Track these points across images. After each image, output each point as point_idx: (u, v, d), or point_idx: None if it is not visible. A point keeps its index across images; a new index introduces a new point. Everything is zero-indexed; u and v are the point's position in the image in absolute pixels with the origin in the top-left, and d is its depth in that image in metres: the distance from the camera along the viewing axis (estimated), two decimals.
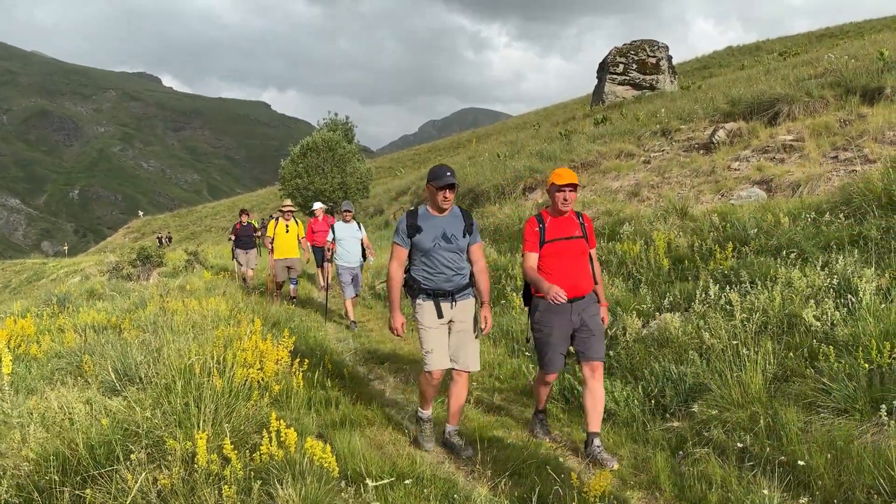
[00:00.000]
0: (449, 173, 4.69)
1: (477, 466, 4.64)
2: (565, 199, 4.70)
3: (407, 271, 4.99)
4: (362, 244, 10.79)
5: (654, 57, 28.86)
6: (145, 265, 17.53)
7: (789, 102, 13.05)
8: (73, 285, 17.55)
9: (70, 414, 4.97)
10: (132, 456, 4.22)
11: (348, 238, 10.68)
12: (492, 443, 5.08)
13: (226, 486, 3.88)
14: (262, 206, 55.23)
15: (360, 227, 10.93)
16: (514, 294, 9.07)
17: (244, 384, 5.60)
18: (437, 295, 4.84)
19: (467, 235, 4.89)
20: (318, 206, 14.26)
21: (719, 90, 19.27)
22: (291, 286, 12.39)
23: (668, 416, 5.05)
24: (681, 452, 4.48)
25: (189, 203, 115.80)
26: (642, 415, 5.10)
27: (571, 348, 4.94)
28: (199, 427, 4.69)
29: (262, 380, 5.81)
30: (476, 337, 4.97)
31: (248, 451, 4.53)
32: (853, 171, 9.03)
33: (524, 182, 17.31)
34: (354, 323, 10.49)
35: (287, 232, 11.93)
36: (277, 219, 12.17)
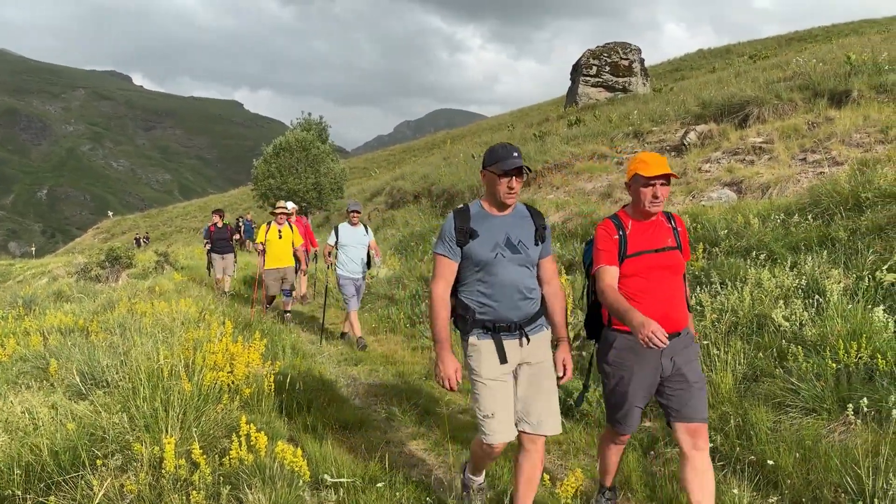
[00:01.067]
0: (515, 154, 3.38)
1: (451, 468, 4.62)
2: (655, 197, 3.41)
3: (453, 294, 3.60)
4: (368, 249, 9.37)
5: (626, 59, 29.10)
6: (114, 266, 17.24)
7: (759, 105, 13.23)
8: (39, 287, 17.22)
9: (34, 419, 4.87)
10: (98, 461, 4.14)
11: (354, 244, 9.18)
12: (465, 444, 5.06)
13: (194, 492, 3.82)
14: (234, 207, 54.67)
15: (367, 231, 9.40)
16: None
17: (214, 387, 5.53)
18: (500, 329, 3.45)
19: (539, 243, 3.56)
20: (290, 205, 12.47)
21: (691, 92, 19.50)
22: (284, 298, 11.04)
23: None
24: (652, 452, 4.50)
25: (160, 203, 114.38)
26: None
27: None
28: (166, 431, 4.61)
29: (233, 383, 5.73)
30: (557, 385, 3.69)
31: (217, 455, 4.47)
32: (821, 172, 9.17)
33: None
34: (362, 339, 9.02)
35: (280, 238, 10.57)
36: (269, 223, 10.78)
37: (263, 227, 10.82)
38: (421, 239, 15.33)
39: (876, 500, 3.30)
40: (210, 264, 14.15)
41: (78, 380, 5.47)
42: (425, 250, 13.89)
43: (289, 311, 10.97)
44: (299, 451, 4.09)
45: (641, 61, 29.69)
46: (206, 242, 13.96)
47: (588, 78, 29.16)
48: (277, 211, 10.90)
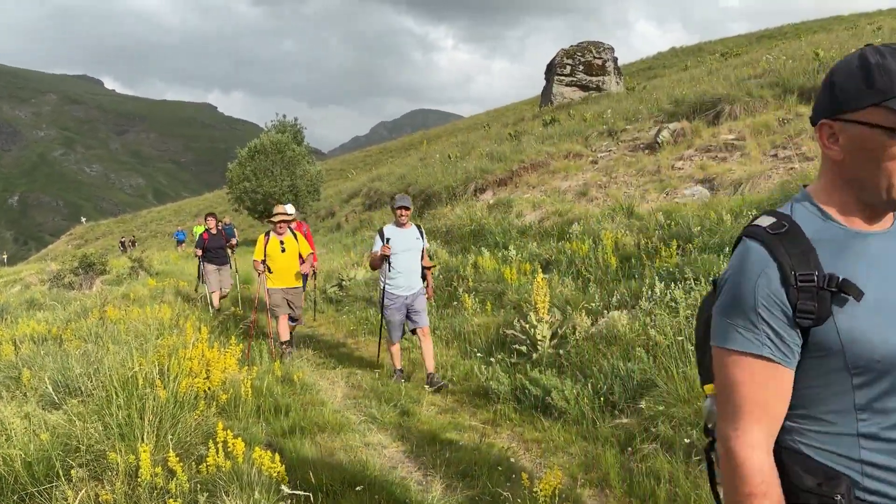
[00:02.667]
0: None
1: (430, 469, 4.63)
2: None
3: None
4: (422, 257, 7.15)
5: (600, 58, 29.30)
6: (87, 273, 17.02)
7: (731, 102, 13.39)
8: (12, 295, 16.93)
9: (7, 429, 4.78)
10: (73, 472, 4.08)
11: (405, 250, 6.95)
12: (444, 445, 5.07)
13: (171, 500, 3.78)
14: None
15: (421, 234, 7.15)
16: (466, 295, 9.08)
17: (190, 394, 5.48)
18: None
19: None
20: (290, 209, 9.42)
21: (663, 91, 19.68)
22: (293, 322, 8.88)
23: (617, 412, 5.11)
24: (629, 449, 4.53)
25: (134, 208, 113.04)
26: (592, 412, 5.16)
27: None
28: (142, 439, 4.56)
29: (209, 389, 5.69)
30: None
31: (194, 462, 4.43)
32: (792, 168, 9.30)
33: (475, 183, 17.36)
34: (433, 375, 6.75)
35: (284, 251, 8.35)
36: (268, 234, 8.50)
37: (261, 239, 8.49)
38: None
39: None
40: (202, 277, 12.18)
41: (51, 389, 5.39)
42: None
43: (289, 345, 8.48)
44: (277, 457, 4.06)
45: (615, 60, 29.90)
46: (198, 252, 12.07)
47: (562, 77, 29.30)
48: (276, 218, 8.49)
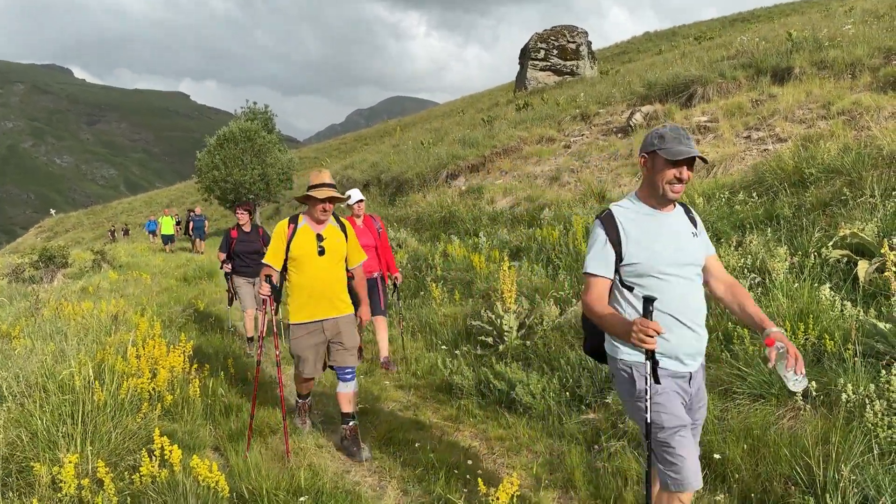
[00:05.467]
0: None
1: (385, 473, 4.34)
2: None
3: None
4: None
5: (573, 42, 29.02)
6: (48, 266, 16.45)
7: (704, 84, 13.17)
8: None
9: None
10: None
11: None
12: (402, 445, 4.77)
13: None
14: (181, 201, 53.21)
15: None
16: (434, 285, 8.78)
17: (133, 396, 5.13)
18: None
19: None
20: (356, 194, 6.82)
21: (637, 74, 19.44)
22: (342, 390, 4.86)
23: (584, 407, 4.85)
24: (596, 446, 4.27)
25: (107, 199, 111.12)
26: (558, 407, 4.89)
27: None
28: (73, 447, 4.22)
29: (154, 389, 5.34)
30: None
31: (130, 471, 4.10)
32: (765, 150, 9.09)
33: (447, 169, 17.04)
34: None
35: (322, 253, 4.75)
36: (296, 220, 4.86)
37: (282, 229, 4.81)
38: None
39: (827, 493, 3.11)
40: (233, 293, 8.60)
41: None
42: None
43: (352, 427, 4.83)
44: (215, 466, 3.74)
45: (589, 44, 29.63)
46: (223, 260, 8.44)
47: (536, 62, 28.99)
48: (321, 193, 4.66)
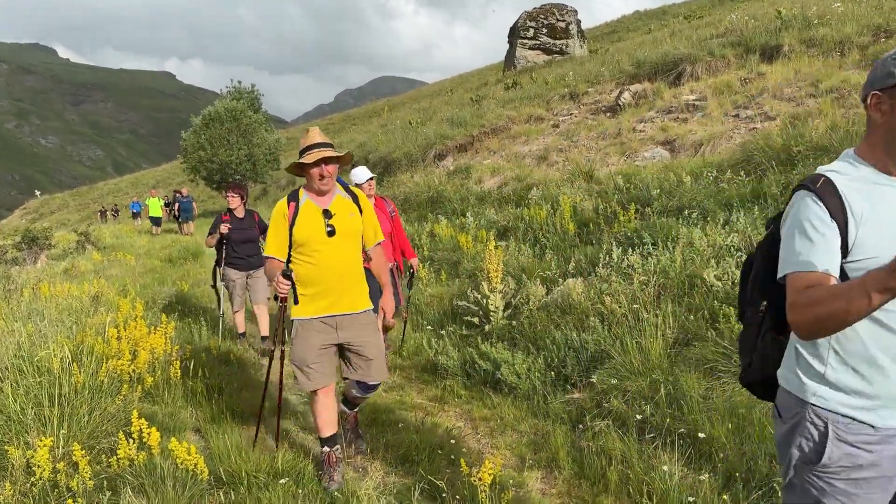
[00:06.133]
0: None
1: (368, 454, 4.29)
2: None
3: None
4: None
5: (563, 21, 28.77)
6: (31, 248, 16.27)
7: (692, 62, 13.08)
8: None
9: None
10: None
11: None
12: (387, 426, 4.73)
13: (70, 500, 3.38)
14: (167, 182, 52.75)
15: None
16: (422, 265, 8.71)
17: (113, 377, 5.05)
18: None
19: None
20: (362, 173, 6.01)
21: (626, 53, 19.31)
22: (345, 410, 4.45)
23: (569, 387, 4.81)
24: (581, 426, 4.24)
25: (93, 180, 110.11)
26: (543, 387, 4.85)
27: None
28: (49, 430, 4.14)
29: (134, 371, 5.26)
30: None
31: (107, 455, 4.03)
32: (754, 128, 9.03)
33: (435, 149, 16.91)
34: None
35: (332, 234, 3.79)
36: (296, 196, 3.88)
37: (281, 209, 3.87)
38: None
39: None
40: (221, 282, 7.45)
41: None
42: None
43: (356, 415, 4.51)
44: (193, 448, 3.68)
45: (578, 23, 29.40)
46: (213, 243, 7.30)
47: (525, 41, 28.74)
48: (310, 157, 3.76)
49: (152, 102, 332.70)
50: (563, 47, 28.42)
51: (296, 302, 3.87)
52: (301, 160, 3.79)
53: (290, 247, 3.82)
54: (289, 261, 3.87)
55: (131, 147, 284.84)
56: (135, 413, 4.03)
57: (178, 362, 5.40)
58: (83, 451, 3.65)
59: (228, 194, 7.31)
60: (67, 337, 5.79)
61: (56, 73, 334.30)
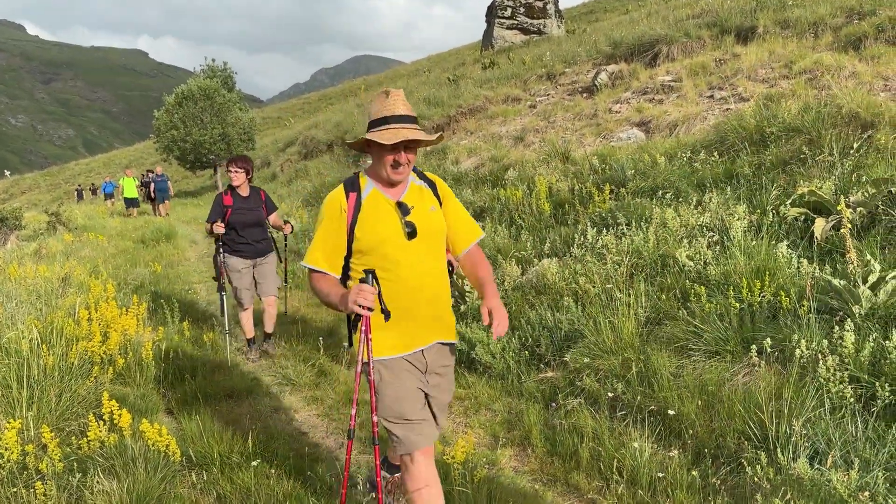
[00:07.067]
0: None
1: (343, 434, 4.30)
2: None
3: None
4: None
5: (540, 1, 28.65)
6: (0, 229, 15.96)
7: (668, 43, 13.09)
8: None
9: None
10: None
11: None
12: (361, 406, 4.73)
13: (38, 483, 3.35)
14: (140, 162, 51.86)
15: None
16: None
17: (84, 359, 4.99)
18: None
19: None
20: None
21: (603, 33, 19.28)
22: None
23: (543, 366, 4.84)
24: (554, 404, 4.27)
25: (64, 160, 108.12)
26: (517, 366, 4.88)
27: None
28: (17, 413, 4.09)
29: (105, 353, 5.20)
30: None
31: (77, 437, 3.99)
32: (728, 109, 9.08)
33: None
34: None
35: (411, 235, 2.76)
36: (356, 180, 2.87)
37: (335, 203, 2.83)
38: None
39: (779, 448, 3.14)
40: (223, 278, 6.24)
41: None
42: None
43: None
44: (164, 430, 3.66)
45: (556, 2, 29.28)
46: (214, 229, 6.07)
47: (503, 20, 28.59)
48: (383, 136, 2.67)
49: (124, 81, 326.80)
50: (541, 27, 28.32)
51: (386, 317, 2.67)
52: (374, 136, 2.65)
53: (350, 254, 2.81)
54: (346, 274, 2.84)
55: (103, 126, 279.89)
56: (105, 395, 3.99)
57: (151, 344, 5.35)
58: (52, 434, 3.61)
59: (231, 169, 6.18)
60: (37, 318, 5.71)
61: (25, 50, 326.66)
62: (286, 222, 6.68)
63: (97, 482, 3.34)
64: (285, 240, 7.52)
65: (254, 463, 3.63)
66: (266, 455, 3.79)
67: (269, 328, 6.40)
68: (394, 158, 2.68)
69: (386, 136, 2.62)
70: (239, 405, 4.78)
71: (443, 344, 2.90)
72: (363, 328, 2.64)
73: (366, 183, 2.83)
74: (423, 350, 2.82)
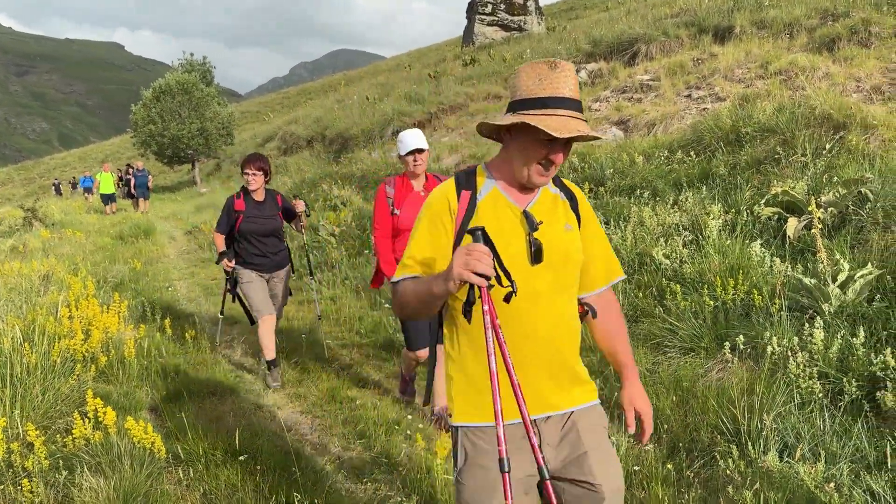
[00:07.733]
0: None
1: (326, 431, 4.36)
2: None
3: None
4: None
5: None
6: None
7: (647, 42, 13.24)
8: None
9: None
10: None
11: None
12: (344, 403, 4.79)
13: (25, 480, 3.38)
14: (117, 157, 51.34)
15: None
16: None
17: (66, 357, 5.00)
18: None
19: None
20: (414, 138, 4.53)
21: (583, 31, 19.42)
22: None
23: None
24: None
25: (39, 154, 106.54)
26: None
27: None
28: (1, 412, 4.10)
29: (88, 351, 5.21)
30: None
31: (62, 435, 4.01)
32: (705, 109, 9.23)
33: (393, 126, 16.85)
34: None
35: (539, 259, 1.93)
36: (471, 190, 2.01)
37: (440, 204, 2.02)
38: (313, 186, 14.72)
39: (750, 441, 3.25)
40: (234, 292, 5.68)
41: None
42: (318, 197, 13.33)
43: None
44: (150, 427, 3.70)
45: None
46: (224, 254, 5.56)
47: (483, 17, 28.64)
48: (555, 124, 1.81)
49: (101, 74, 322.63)
50: (521, 24, 28.42)
51: (513, 290, 1.82)
52: (537, 122, 1.83)
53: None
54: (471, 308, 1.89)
55: (79, 120, 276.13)
56: (89, 392, 4.02)
57: (133, 341, 5.36)
58: (38, 432, 3.64)
59: (247, 171, 5.36)
60: (17, 316, 5.70)
61: None
62: (296, 196, 6.00)
63: (84, 479, 3.37)
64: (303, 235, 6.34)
65: (241, 458, 3.68)
66: (251, 451, 3.84)
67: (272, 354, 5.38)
68: (547, 156, 1.90)
69: (553, 124, 1.82)
70: (222, 402, 4.82)
71: (571, 412, 2.03)
72: (485, 307, 1.74)
73: (485, 179, 2.06)
74: (535, 420, 1.92)
